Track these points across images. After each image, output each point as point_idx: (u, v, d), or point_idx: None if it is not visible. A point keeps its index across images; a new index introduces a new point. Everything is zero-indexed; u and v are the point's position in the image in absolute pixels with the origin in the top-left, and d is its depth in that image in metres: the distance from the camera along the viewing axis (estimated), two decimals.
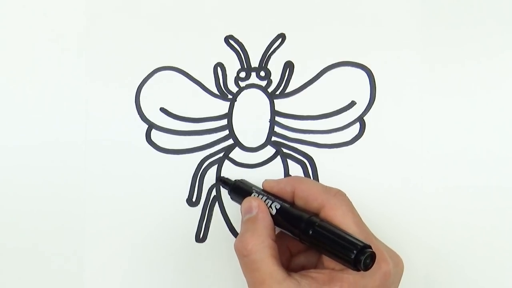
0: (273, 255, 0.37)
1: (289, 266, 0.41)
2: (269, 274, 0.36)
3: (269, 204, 0.40)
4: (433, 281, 0.40)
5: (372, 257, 0.35)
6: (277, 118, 0.46)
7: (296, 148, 0.45)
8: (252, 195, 0.41)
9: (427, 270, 0.39)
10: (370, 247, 0.35)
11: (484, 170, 0.43)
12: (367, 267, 0.34)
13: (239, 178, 0.44)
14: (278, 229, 0.40)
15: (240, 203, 0.41)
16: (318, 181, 0.45)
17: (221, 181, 0.45)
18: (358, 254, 0.34)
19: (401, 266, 0.39)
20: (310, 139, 0.45)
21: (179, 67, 0.47)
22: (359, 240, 0.35)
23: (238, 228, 0.45)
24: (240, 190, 0.43)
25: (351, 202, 0.39)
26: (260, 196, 0.41)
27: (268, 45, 0.46)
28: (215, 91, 0.46)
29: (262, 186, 0.42)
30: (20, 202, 0.48)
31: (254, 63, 0.46)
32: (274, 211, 0.39)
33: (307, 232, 0.37)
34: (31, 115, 0.48)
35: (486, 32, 0.44)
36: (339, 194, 0.39)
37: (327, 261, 0.37)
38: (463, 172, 0.43)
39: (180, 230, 0.46)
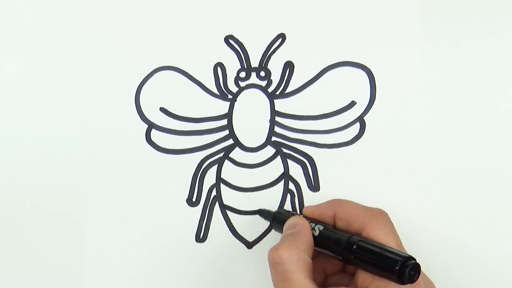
0: (306, 269, 0.36)
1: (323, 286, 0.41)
2: (299, 286, 0.36)
3: (312, 227, 0.40)
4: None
5: (416, 268, 0.34)
6: (277, 118, 0.46)
7: (296, 148, 0.45)
8: None
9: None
10: (414, 258, 0.34)
11: (485, 170, 0.43)
12: (412, 279, 0.34)
13: (277, 209, 0.44)
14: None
15: (282, 230, 0.41)
16: (318, 181, 0.45)
17: (260, 213, 0.45)
18: (402, 266, 0.34)
19: None
20: (310, 139, 0.45)
21: (179, 67, 0.47)
22: (402, 252, 0.35)
23: (238, 228, 0.45)
24: (282, 218, 0.42)
25: (392, 223, 0.38)
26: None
27: (268, 45, 0.46)
28: (215, 91, 0.46)
29: (302, 213, 0.42)
30: (20, 202, 0.48)
31: (254, 63, 0.46)
32: (317, 233, 0.39)
33: (351, 248, 0.37)
34: (31, 115, 0.48)
35: (486, 32, 0.44)
36: (381, 214, 0.39)
37: (361, 282, 0.37)
38: (463, 172, 0.43)
39: (180, 230, 0.46)
